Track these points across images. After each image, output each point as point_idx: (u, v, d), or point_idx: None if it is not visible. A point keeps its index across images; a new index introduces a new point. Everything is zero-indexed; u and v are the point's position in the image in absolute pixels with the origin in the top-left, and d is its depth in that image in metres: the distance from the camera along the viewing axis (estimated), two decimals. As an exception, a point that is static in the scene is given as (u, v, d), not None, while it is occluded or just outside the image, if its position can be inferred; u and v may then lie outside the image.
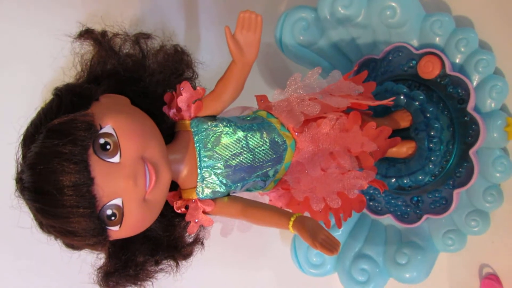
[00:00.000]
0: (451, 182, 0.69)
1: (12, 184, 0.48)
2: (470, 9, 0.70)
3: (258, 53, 0.53)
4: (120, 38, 0.55)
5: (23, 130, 0.49)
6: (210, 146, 0.53)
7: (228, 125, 0.54)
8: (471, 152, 0.66)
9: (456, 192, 0.67)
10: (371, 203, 0.75)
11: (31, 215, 0.48)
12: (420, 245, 0.71)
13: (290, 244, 0.76)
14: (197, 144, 0.53)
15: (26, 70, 0.67)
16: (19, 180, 0.46)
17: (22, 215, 0.49)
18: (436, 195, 0.70)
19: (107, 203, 0.45)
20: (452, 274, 0.75)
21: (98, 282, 0.52)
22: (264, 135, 0.55)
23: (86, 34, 0.54)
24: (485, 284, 0.71)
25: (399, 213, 0.73)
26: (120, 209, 0.45)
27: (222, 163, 0.53)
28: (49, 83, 0.52)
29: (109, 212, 0.45)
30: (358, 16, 0.70)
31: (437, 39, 0.68)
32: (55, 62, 0.58)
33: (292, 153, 0.57)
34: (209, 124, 0.54)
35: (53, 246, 0.50)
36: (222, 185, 0.54)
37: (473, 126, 0.66)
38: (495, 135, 0.66)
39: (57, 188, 0.43)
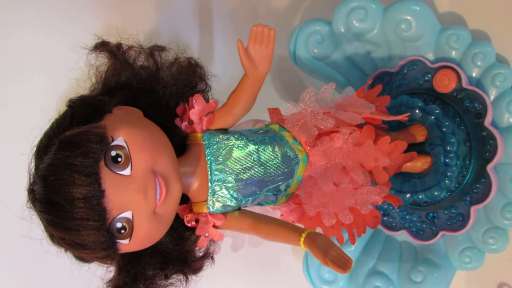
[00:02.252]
0: (468, 198, 0.67)
1: (24, 195, 0.49)
2: (487, 23, 0.70)
3: (270, 67, 0.53)
4: (135, 50, 0.56)
5: (36, 141, 0.49)
6: (221, 159, 0.53)
7: (240, 138, 0.54)
8: (489, 167, 0.65)
9: (473, 209, 0.66)
10: (385, 219, 0.74)
11: (42, 227, 0.49)
12: (436, 263, 0.69)
13: (302, 259, 0.75)
14: (209, 157, 0.53)
15: (42, 81, 0.69)
16: (31, 191, 0.47)
17: (33, 227, 0.49)
18: (453, 211, 0.69)
19: (117, 216, 0.45)
20: (470, 293, 0.73)
21: (107, 295, 0.52)
22: (276, 149, 0.55)
23: (102, 46, 0.54)
24: (504, 304, 0.70)
25: (414, 229, 0.72)
26: (130, 222, 0.45)
27: (233, 176, 0.53)
28: (63, 94, 0.53)
29: (119, 225, 0.45)
30: (373, 30, 0.70)
31: (453, 52, 0.68)
32: (71, 74, 0.59)
33: (304, 167, 0.56)
34: (220, 137, 0.54)
35: (63, 258, 0.50)
36: (233, 199, 0.53)
37: (491, 141, 0.65)
38: (513, 150, 0.64)
39: (68, 200, 0.43)
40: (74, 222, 0.43)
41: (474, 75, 0.67)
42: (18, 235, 0.59)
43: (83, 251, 0.45)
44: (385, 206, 0.74)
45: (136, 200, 0.45)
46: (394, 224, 0.74)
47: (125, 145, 0.45)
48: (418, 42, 0.69)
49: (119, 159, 0.45)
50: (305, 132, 0.55)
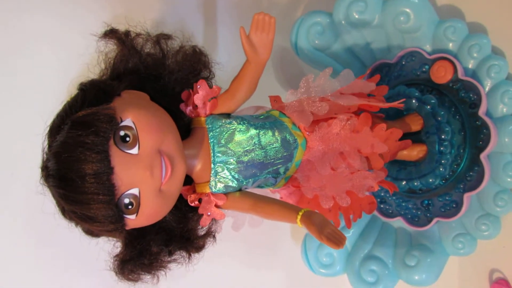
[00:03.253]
0: (461, 186, 0.69)
1: (38, 173, 0.51)
2: (483, 16, 0.71)
3: (271, 53, 0.55)
4: (142, 38, 0.57)
5: (49, 122, 0.52)
6: (223, 142, 0.55)
7: (242, 122, 0.56)
8: (482, 156, 0.66)
9: (466, 196, 0.68)
10: (382, 206, 0.76)
11: (54, 202, 0.51)
12: (430, 248, 0.71)
13: (301, 243, 0.77)
14: (211, 140, 0.55)
15: (54, 65, 0.71)
16: (45, 168, 0.49)
17: (46, 201, 0.52)
18: (447, 198, 0.70)
19: (125, 192, 0.47)
20: (462, 278, 0.75)
21: (114, 269, 0.55)
22: (276, 134, 0.57)
23: (111, 33, 0.56)
24: (495, 288, 0.71)
25: (409, 216, 0.74)
26: (137, 198, 0.48)
27: (234, 159, 0.55)
28: (75, 78, 0.55)
29: (126, 200, 0.47)
30: (372, 21, 0.71)
31: (450, 44, 0.69)
32: (81, 59, 0.61)
33: (302, 151, 0.58)
34: (223, 121, 0.56)
35: (73, 232, 0.53)
36: (234, 180, 0.56)
37: (484, 131, 0.67)
38: (506, 140, 0.66)
39: (79, 176, 0.45)
40: (85, 196, 0.45)
41: (470, 66, 0.68)
42: (32, 210, 0.62)
43: (93, 224, 0.48)
44: (382, 194, 0.76)
45: (143, 178, 0.47)
46: (390, 211, 0.76)
47: (133, 126, 0.47)
48: (416, 34, 0.70)
49: (128, 139, 0.47)
50: (302, 118, 0.57)
